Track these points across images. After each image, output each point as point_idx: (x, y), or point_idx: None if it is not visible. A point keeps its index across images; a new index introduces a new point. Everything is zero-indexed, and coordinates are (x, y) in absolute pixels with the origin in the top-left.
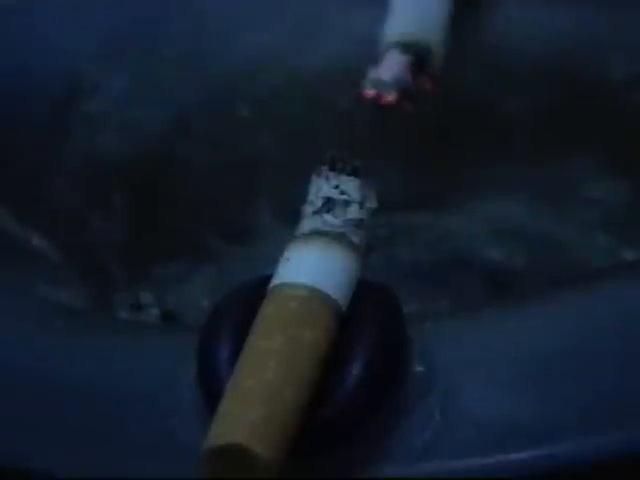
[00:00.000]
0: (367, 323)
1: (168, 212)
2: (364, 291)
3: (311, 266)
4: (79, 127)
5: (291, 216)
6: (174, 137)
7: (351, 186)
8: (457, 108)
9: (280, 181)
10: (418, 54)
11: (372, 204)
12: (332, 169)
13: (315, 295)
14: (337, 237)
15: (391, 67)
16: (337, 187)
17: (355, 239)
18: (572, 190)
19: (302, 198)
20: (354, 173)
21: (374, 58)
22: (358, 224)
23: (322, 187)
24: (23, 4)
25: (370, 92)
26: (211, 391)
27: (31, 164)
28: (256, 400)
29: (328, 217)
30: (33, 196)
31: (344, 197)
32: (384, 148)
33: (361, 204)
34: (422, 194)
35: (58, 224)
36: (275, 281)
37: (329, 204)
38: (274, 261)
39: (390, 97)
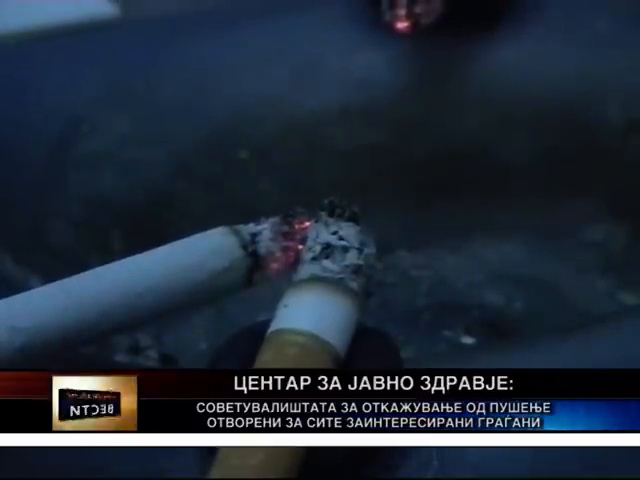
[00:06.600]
0: (365, 369)
1: None
2: (362, 337)
3: (309, 312)
4: (78, 169)
5: None
6: (173, 179)
7: (350, 232)
8: (456, 153)
9: None
10: None
11: (371, 250)
12: (331, 215)
13: (313, 341)
14: (335, 283)
15: None
16: (336, 233)
17: (353, 285)
18: (571, 234)
19: None
20: (353, 219)
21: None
22: (356, 270)
23: (321, 233)
24: (23, 47)
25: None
26: None
27: (30, 205)
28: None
29: (327, 263)
30: (31, 237)
31: (343, 243)
32: (383, 192)
33: (360, 250)
34: (420, 238)
35: (56, 265)
36: (274, 327)
37: (328, 250)
38: (273, 304)
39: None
